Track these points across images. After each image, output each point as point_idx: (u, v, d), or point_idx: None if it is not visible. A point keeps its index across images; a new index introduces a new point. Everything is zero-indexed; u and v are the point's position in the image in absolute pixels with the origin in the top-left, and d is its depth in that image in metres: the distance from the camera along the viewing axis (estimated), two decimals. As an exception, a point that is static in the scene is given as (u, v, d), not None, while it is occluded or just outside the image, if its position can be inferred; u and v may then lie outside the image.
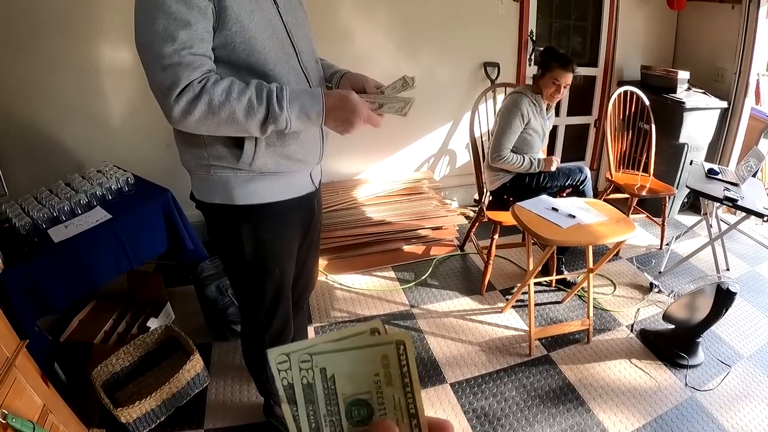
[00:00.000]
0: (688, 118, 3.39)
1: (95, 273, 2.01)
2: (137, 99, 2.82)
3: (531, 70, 3.60)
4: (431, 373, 2.25)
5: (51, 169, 2.64)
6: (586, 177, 2.71)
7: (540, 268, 2.34)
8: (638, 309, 2.71)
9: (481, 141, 2.89)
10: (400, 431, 0.34)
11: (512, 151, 2.67)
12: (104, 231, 2.03)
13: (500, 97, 2.88)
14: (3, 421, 1.31)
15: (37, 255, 1.85)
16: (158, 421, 1.96)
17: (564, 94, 2.63)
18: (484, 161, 2.88)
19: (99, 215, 2.09)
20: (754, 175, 2.79)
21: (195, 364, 2.05)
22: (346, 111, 1.14)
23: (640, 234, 3.52)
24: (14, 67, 2.57)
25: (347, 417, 0.34)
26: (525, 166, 2.65)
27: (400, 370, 0.34)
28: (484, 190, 2.91)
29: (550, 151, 3.87)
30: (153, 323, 2.35)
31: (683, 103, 3.35)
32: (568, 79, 2.56)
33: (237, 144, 1.24)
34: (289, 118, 1.11)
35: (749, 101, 3.51)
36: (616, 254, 3.02)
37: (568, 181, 2.73)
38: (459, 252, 3.27)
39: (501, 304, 2.74)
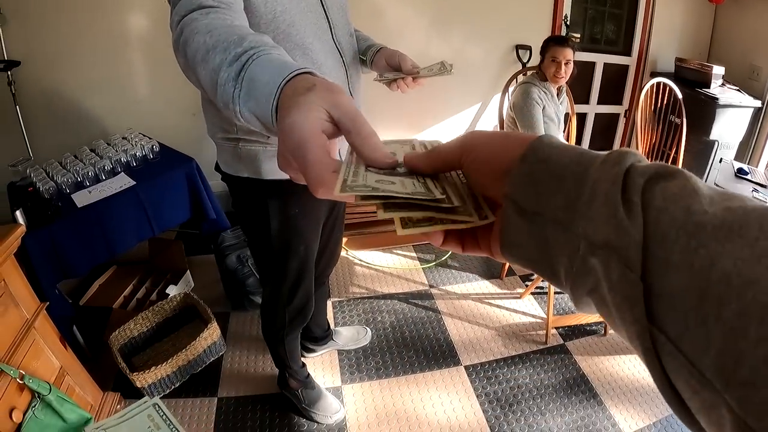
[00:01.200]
0: (721, 115, 3.30)
1: (117, 239, 2.03)
2: (163, 67, 2.81)
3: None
4: (446, 354, 2.25)
5: (76, 136, 2.66)
6: None
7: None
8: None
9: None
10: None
11: None
12: (127, 197, 2.04)
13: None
14: (20, 381, 1.34)
15: (60, 219, 1.87)
16: (173, 387, 1.99)
17: (568, 73, 2.59)
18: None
19: (123, 181, 2.10)
20: (783, 178, 2.71)
21: (212, 333, 2.07)
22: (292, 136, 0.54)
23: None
24: (42, 35, 2.58)
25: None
26: None
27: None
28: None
29: (578, 140, 3.79)
30: (172, 290, 2.37)
31: (716, 99, 3.26)
32: (566, 54, 2.54)
33: None
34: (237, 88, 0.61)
35: (784, 102, 3.40)
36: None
37: None
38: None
39: (520, 290, 2.72)
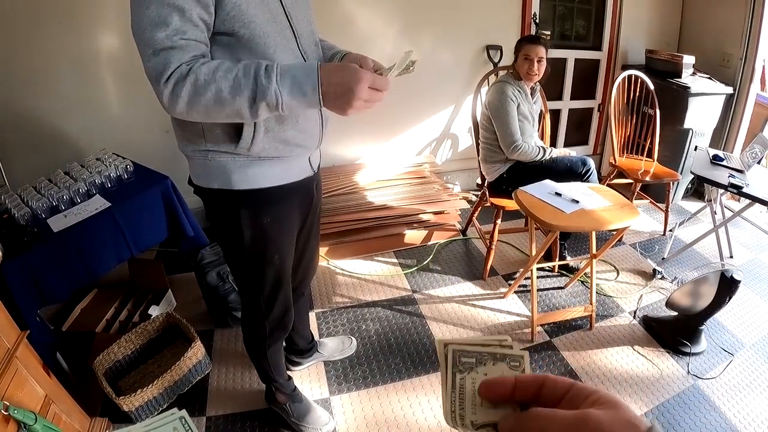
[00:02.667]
0: (693, 104, 3.35)
1: (96, 262, 2.00)
2: (135, 86, 2.79)
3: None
4: (433, 359, 2.24)
5: (50, 159, 2.63)
6: (590, 169, 2.67)
7: (543, 254, 2.32)
8: (641, 295, 2.70)
9: (475, 132, 2.87)
10: None
11: None
12: (104, 219, 2.02)
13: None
14: (5, 413, 1.31)
15: (37, 245, 1.84)
16: (160, 409, 1.97)
17: (541, 70, 2.63)
18: (478, 155, 2.86)
19: (98, 203, 2.08)
20: (758, 163, 2.75)
21: (196, 352, 2.05)
22: (346, 78, 1.03)
23: (643, 220, 3.50)
24: (12, 57, 2.55)
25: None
26: (540, 155, 2.65)
27: None
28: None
29: (553, 135, 3.83)
30: (154, 311, 2.35)
31: (688, 88, 3.30)
32: (538, 51, 2.59)
33: (235, 130, 1.22)
34: (278, 92, 1.02)
35: (755, 87, 3.47)
36: (620, 240, 3.00)
37: (570, 173, 2.69)
38: (461, 237, 3.26)
39: (503, 290, 2.73)
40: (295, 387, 1.91)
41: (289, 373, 1.91)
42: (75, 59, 2.68)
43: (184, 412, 0.45)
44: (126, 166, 2.28)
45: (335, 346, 2.25)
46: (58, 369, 1.93)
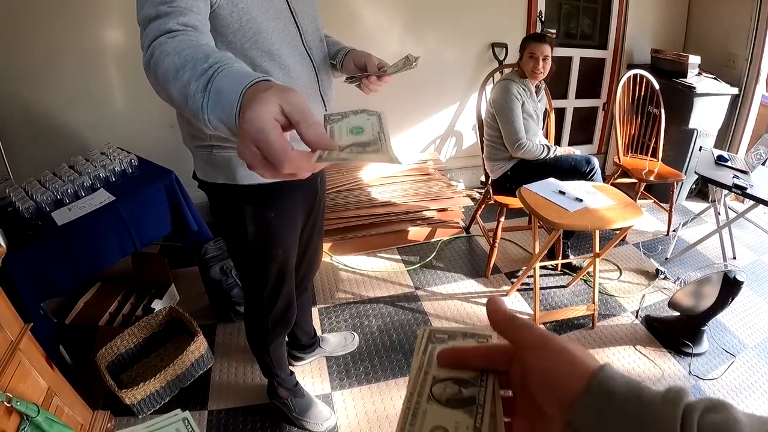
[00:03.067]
0: (698, 104, 3.34)
1: (99, 255, 2.01)
2: (140, 81, 2.76)
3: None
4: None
5: (55, 153, 2.63)
6: (594, 168, 2.66)
7: (546, 252, 2.32)
8: (644, 295, 2.70)
9: (480, 129, 2.86)
10: None
11: None
12: (108, 213, 2.02)
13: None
14: (8, 405, 1.32)
15: (41, 238, 1.85)
16: (162, 402, 1.98)
17: (546, 69, 2.63)
18: (483, 153, 2.86)
19: (102, 197, 2.09)
20: (763, 164, 2.75)
21: (199, 346, 2.06)
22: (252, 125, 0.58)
23: (647, 219, 3.50)
24: (17, 52, 2.55)
25: None
26: (544, 153, 2.65)
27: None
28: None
29: (557, 134, 3.82)
30: (157, 305, 2.36)
31: (693, 88, 3.29)
32: (543, 50, 2.58)
33: None
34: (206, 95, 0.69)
35: (760, 88, 3.45)
36: (623, 239, 2.99)
37: (574, 171, 2.69)
38: (464, 234, 3.26)
39: (506, 288, 2.73)
40: (297, 382, 1.92)
41: (291, 368, 1.92)
42: (80, 53, 2.68)
43: (187, 414, 0.45)
44: (130, 160, 2.29)
45: (337, 342, 2.25)
46: (60, 362, 1.94)
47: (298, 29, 1.24)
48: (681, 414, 0.33)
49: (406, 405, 0.42)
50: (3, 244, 1.63)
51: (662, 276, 2.86)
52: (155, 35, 0.85)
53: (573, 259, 2.87)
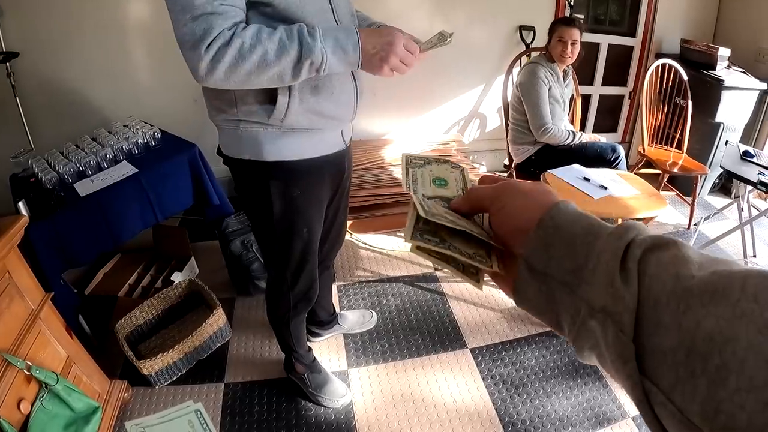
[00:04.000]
0: (726, 97, 3.26)
1: (121, 227, 2.02)
2: (163, 54, 2.79)
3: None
4: (452, 337, 2.25)
5: (77, 125, 2.65)
6: (619, 156, 2.63)
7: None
8: (663, 287, 2.67)
9: (505, 113, 2.83)
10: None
11: None
12: (130, 185, 2.03)
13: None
14: (27, 373, 1.34)
15: (63, 209, 1.86)
16: (179, 374, 2.00)
17: (575, 54, 2.60)
18: (507, 136, 2.83)
19: (125, 169, 2.10)
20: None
21: (217, 319, 2.07)
22: (383, 37, 1.11)
23: (668, 212, 3.44)
24: (41, 26, 2.57)
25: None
26: (570, 138, 2.63)
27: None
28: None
29: (582, 120, 3.77)
30: (177, 277, 2.37)
31: (722, 80, 3.22)
32: (573, 34, 2.56)
33: (270, 99, 1.21)
34: (324, 51, 1.06)
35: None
36: (644, 231, 2.95)
37: (599, 159, 2.66)
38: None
39: (525, 273, 2.71)
40: (315, 358, 1.93)
41: (308, 344, 1.93)
42: (105, 27, 2.69)
43: (200, 405, 0.46)
44: (153, 133, 2.29)
45: (355, 320, 2.26)
46: (80, 331, 1.96)
47: (330, 4, 1.24)
48: (624, 247, 0.33)
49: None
50: (26, 214, 1.65)
51: (682, 269, 2.81)
52: (213, 32, 1.01)
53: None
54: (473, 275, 0.45)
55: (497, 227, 0.44)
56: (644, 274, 0.31)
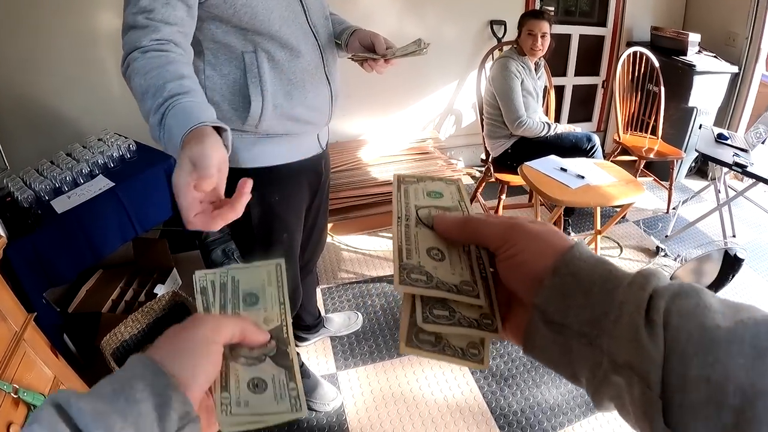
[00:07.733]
0: (698, 82, 3.32)
1: (100, 242, 2.00)
2: (135, 65, 2.76)
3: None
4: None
5: (52, 140, 2.60)
6: (595, 145, 2.66)
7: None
8: (644, 272, 2.70)
9: (479, 108, 2.85)
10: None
11: None
12: (107, 199, 2.01)
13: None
14: (15, 396, 1.32)
15: (41, 227, 1.83)
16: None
17: (545, 46, 2.63)
18: (483, 131, 2.85)
19: (101, 184, 2.07)
20: (763, 143, 2.74)
21: (203, 330, 2.05)
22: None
23: (646, 197, 3.50)
24: (10, 39, 2.51)
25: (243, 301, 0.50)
26: (545, 130, 2.65)
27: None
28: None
29: (557, 111, 3.81)
30: (160, 290, 2.35)
31: (693, 66, 3.27)
32: (542, 26, 2.57)
33: (244, 106, 1.21)
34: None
35: (760, 67, 3.43)
36: (623, 217, 3.00)
37: (575, 149, 2.68)
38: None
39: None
40: (303, 363, 1.92)
41: (296, 349, 1.92)
42: (73, 39, 2.64)
43: (281, 260, 0.51)
44: (128, 145, 2.27)
45: (342, 322, 2.26)
46: (65, 350, 1.93)
47: (303, 6, 1.23)
48: (647, 298, 0.32)
49: (398, 228, 0.44)
50: (3, 234, 1.62)
51: (663, 253, 2.87)
52: (129, 49, 0.93)
53: (574, 237, 2.87)
54: (475, 356, 0.41)
55: (506, 274, 0.41)
56: (668, 325, 0.30)
